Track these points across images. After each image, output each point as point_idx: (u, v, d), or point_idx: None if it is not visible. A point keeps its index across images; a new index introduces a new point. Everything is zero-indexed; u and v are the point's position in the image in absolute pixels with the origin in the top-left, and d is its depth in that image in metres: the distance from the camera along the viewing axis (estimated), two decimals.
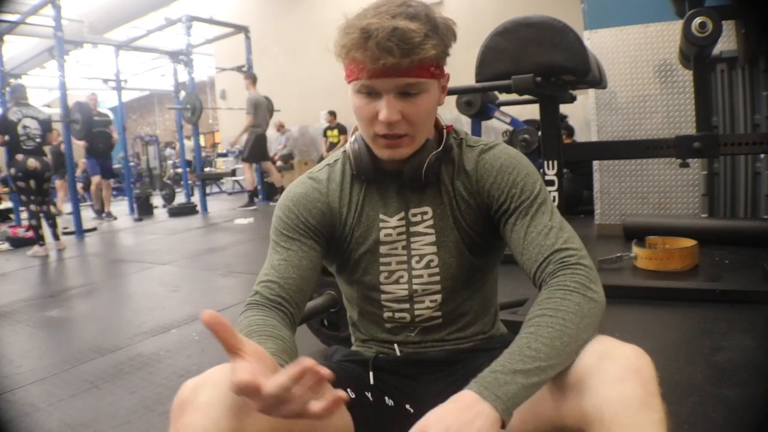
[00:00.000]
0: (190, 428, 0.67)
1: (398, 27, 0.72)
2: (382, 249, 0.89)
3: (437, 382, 0.91)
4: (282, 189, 6.96)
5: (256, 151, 6.63)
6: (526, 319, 0.72)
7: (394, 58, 0.72)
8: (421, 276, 0.89)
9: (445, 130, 0.89)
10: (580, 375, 0.67)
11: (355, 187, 0.91)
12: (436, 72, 0.80)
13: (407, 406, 0.91)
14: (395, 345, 0.94)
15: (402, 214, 0.89)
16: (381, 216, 0.89)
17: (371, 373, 0.92)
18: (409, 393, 0.91)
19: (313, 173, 0.94)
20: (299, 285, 0.84)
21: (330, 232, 0.90)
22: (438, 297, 0.90)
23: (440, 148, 0.86)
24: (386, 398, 0.91)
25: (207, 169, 9.85)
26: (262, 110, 6.59)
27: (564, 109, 5.02)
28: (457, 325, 0.93)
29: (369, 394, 0.90)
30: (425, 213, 0.89)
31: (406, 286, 0.90)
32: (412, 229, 0.89)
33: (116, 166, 12.69)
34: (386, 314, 0.92)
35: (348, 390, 0.86)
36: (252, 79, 6.75)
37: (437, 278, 0.89)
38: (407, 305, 0.91)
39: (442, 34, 0.78)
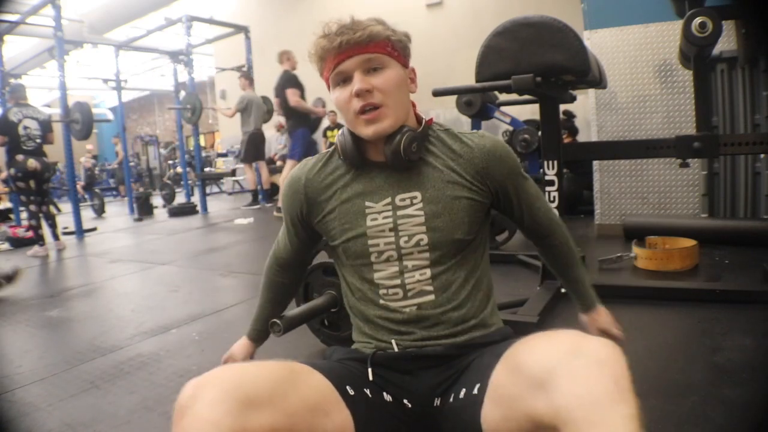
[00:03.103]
0: (192, 429, 0.68)
1: (351, 20, 0.92)
2: (369, 232, 0.97)
3: (434, 377, 0.93)
4: (269, 190, 7.20)
5: (251, 150, 6.68)
6: (563, 265, 1.15)
7: (349, 35, 0.89)
8: (411, 253, 0.96)
9: (425, 122, 0.99)
10: (550, 371, 0.67)
11: (343, 177, 1.00)
12: (394, 53, 0.94)
13: (405, 401, 0.93)
14: (392, 340, 0.96)
15: (388, 200, 0.97)
16: (366, 203, 0.97)
17: (369, 370, 0.93)
18: (406, 389, 0.93)
19: (308, 162, 1.06)
20: (300, 249, 1.14)
21: (310, 218, 1.05)
22: (427, 271, 0.96)
23: (419, 130, 0.96)
24: (384, 394, 0.93)
25: (207, 169, 9.85)
26: (254, 110, 6.62)
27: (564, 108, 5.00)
28: (451, 304, 0.96)
29: (368, 391, 0.91)
30: (414, 197, 0.96)
31: (396, 264, 0.96)
32: (400, 212, 0.96)
33: (116, 166, 12.75)
34: (381, 291, 0.98)
35: (347, 387, 0.88)
36: (249, 79, 6.82)
37: (426, 254, 0.95)
38: (398, 281, 0.96)
39: (392, 27, 0.94)
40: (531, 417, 0.70)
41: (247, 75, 6.89)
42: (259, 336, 1.26)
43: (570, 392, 0.64)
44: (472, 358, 0.91)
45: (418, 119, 1.00)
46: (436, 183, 0.96)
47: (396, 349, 0.95)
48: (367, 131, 0.92)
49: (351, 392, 0.88)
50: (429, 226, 0.95)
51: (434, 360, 0.94)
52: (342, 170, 1.00)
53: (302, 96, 5.29)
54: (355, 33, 0.89)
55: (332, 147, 1.03)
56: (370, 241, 0.96)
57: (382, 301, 0.97)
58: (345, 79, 0.92)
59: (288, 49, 5.54)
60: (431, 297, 0.95)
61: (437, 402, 0.92)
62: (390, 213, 0.96)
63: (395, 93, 0.93)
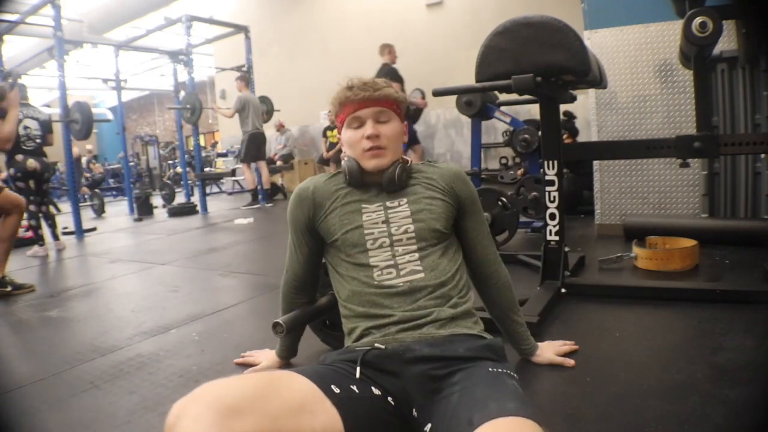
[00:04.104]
0: None
1: (370, 79, 1.24)
2: (365, 224, 1.19)
3: (415, 384, 0.99)
4: (269, 190, 7.29)
5: (251, 150, 6.76)
6: (506, 308, 1.39)
7: (369, 92, 1.19)
8: (400, 240, 1.17)
9: (410, 162, 1.27)
10: None
11: (344, 189, 1.25)
12: (398, 111, 1.24)
13: (389, 399, 0.99)
14: (376, 343, 1.05)
15: (380, 203, 1.22)
16: (363, 205, 1.22)
17: (358, 368, 1.00)
18: (390, 389, 1.00)
19: (316, 177, 1.30)
20: (310, 258, 1.35)
21: (315, 220, 1.25)
22: (416, 254, 1.16)
23: (407, 165, 1.25)
24: (373, 388, 0.99)
25: (207, 169, 9.85)
26: (251, 110, 6.70)
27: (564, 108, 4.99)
28: (438, 279, 1.13)
29: (355, 387, 0.96)
30: (401, 200, 1.22)
31: (389, 249, 1.16)
32: (390, 211, 1.20)
33: (116, 165, 12.75)
34: (376, 273, 1.15)
35: (332, 386, 0.94)
36: (245, 81, 6.94)
37: (413, 240, 1.17)
38: (391, 262, 1.15)
39: (396, 91, 1.24)
40: None
41: (242, 77, 7.01)
42: (288, 354, 1.58)
43: None
44: (453, 384, 0.95)
45: (404, 161, 1.26)
46: (418, 192, 1.23)
47: (383, 347, 1.03)
48: (369, 164, 1.20)
49: (336, 390, 0.92)
50: (414, 218, 1.19)
51: (419, 361, 1.00)
52: (343, 185, 1.25)
53: (402, 89, 5.13)
54: (375, 91, 1.19)
55: (336, 171, 1.29)
56: (365, 231, 1.18)
57: (376, 282, 1.14)
58: (359, 125, 1.21)
59: (389, 43, 5.45)
60: (421, 275, 1.13)
61: (415, 413, 0.98)
62: (382, 211, 1.20)
63: (395, 140, 1.23)
